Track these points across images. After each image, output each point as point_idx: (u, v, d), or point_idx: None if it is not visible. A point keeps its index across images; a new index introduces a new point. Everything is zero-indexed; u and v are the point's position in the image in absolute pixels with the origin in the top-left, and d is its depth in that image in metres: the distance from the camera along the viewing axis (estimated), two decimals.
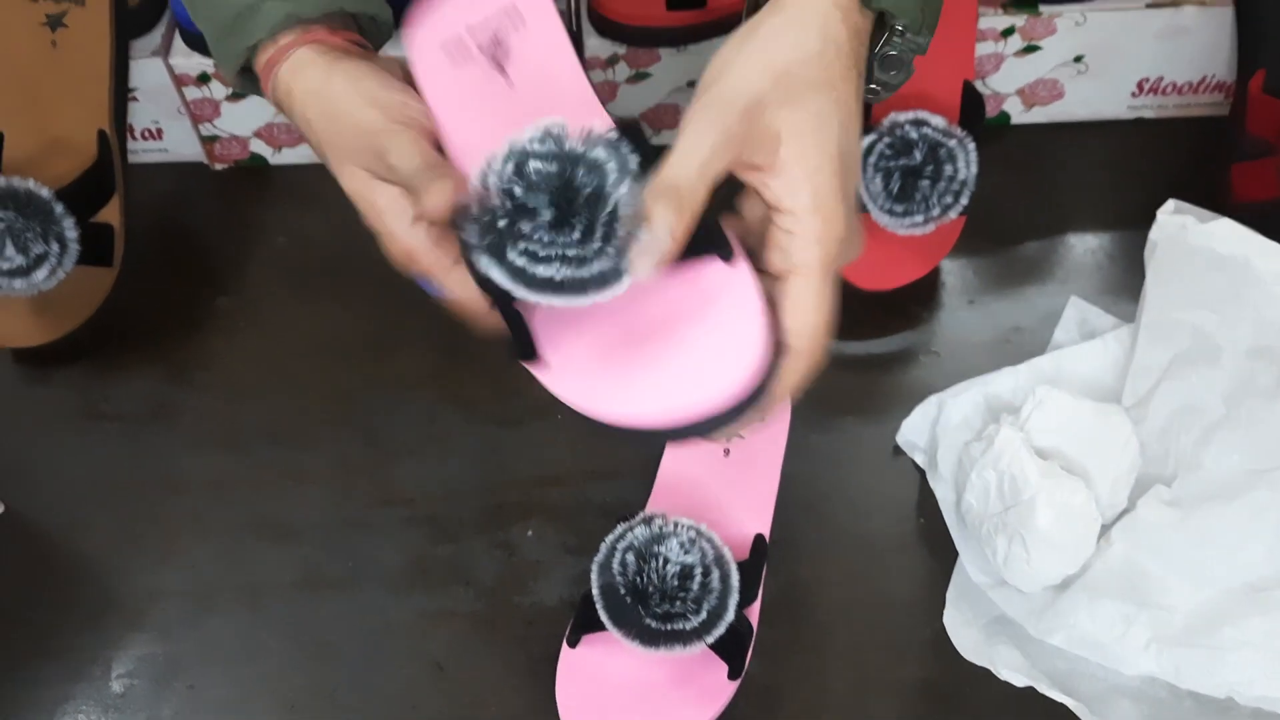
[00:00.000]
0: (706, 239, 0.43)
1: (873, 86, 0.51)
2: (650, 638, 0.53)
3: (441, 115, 0.49)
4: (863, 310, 0.72)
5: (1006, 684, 0.56)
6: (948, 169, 0.66)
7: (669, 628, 0.53)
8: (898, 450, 0.66)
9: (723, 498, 0.61)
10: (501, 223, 0.40)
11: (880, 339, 0.71)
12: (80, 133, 0.71)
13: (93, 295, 0.70)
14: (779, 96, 0.43)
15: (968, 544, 0.60)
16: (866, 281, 0.71)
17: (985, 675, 0.56)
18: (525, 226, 0.40)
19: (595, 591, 0.54)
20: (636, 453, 0.66)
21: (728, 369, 0.41)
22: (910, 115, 0.67)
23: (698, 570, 0.53)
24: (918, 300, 0.72)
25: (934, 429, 0.64)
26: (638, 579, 0.53)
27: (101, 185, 0.70)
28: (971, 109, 0.71)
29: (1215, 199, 0.66)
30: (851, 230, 0.46)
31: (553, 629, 0.59)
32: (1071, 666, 0.56)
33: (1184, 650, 0.54)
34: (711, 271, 0.43)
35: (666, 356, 0.42)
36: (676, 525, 0.55)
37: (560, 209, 0.40)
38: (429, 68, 0.51)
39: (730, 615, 0.53)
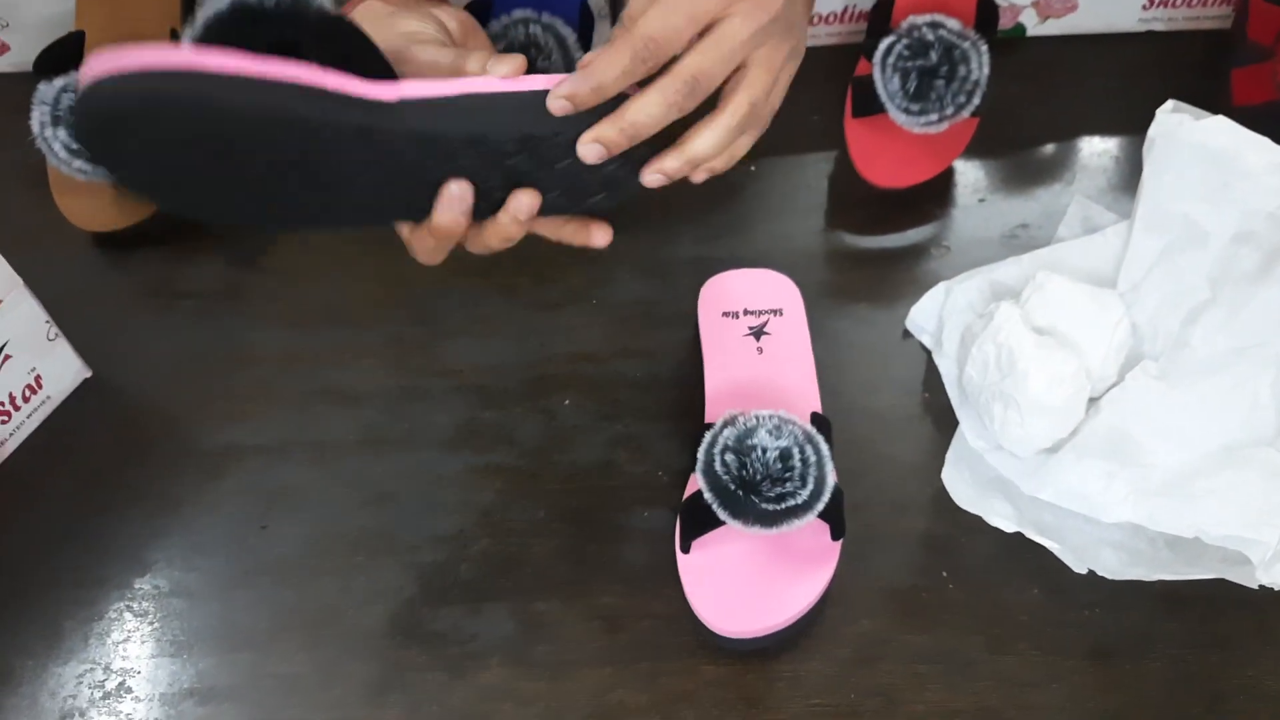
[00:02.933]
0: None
1: None
2: (769, 519, 0.56)
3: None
4: (880, 208, 0.77)
5: (998, 534, 0.61)
6: (961, 69, 0.70)
7: (784, 506, 0.56)
8: (907, 334, 0.71)
9: (771, 389, 0.66)
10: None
11: (895, 234, 0.76)
12: (155, 31, 0.77)
13: None
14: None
15: (967, 413, 0.66)
16: (883, 179, 0.75)
17: (979, 527, 0.62)
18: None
19: (707, 495, 0.57)
20: (668, 336, 0.71)
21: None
22: (927, 18, 0.71)
23: (794, 449, 0.57)
24: (931, 198, 0.77)
25: (941, 312, 0.69)
26: (743, 473, 0.57)
27: None
28: (986, 15, 0.75)
29: (1216, 104, 0.69)
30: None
31: (589, 482, 0.65)
32: (1059, 520, 0.61)
33: (1159, 499, 0.59)
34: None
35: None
36: (758, 418, 0.58)
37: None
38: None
39: (831, 483, 0.57)
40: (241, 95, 0.44)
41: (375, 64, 0.50)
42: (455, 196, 0.51)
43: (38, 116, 0.71)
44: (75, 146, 0.71)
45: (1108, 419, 0.62)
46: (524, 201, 0.52)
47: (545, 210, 0.53)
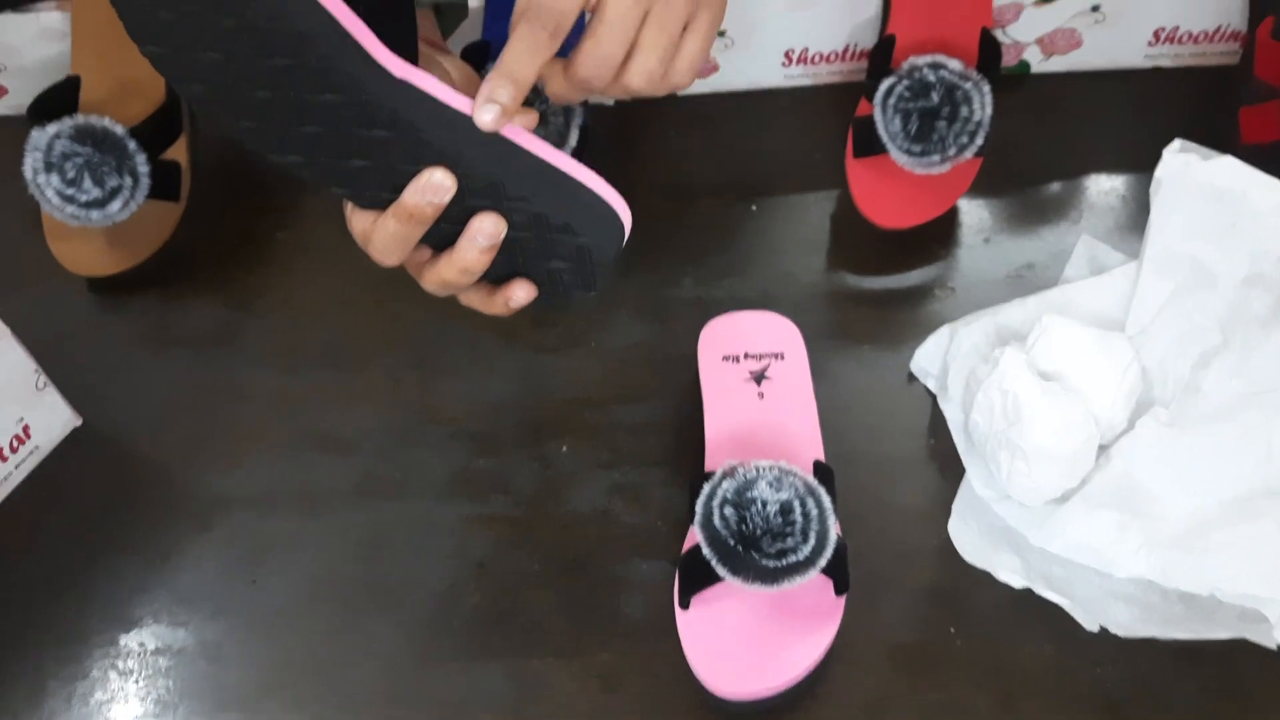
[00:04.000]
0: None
1: None
2: (770, 576, 0.55)
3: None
4: (882, 247, 0.76)
5: (1006, 587, 0.60)
6: (963, 110, 0.69)
7: (785, 563, 0.55)
8: (911, 377, 0.70)
9: (773, 436, 0.64)
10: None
11: (898, 274, 0.75)
12: (150, 76, 0.76)
13: (161, 228, 0.76)
14: None
15: (973, 461, 0.64)
16: (886, 219, 0.74)
17: (986, 580, 0.60)
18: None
19: (706, 551, 0.56)
20: (667, 380, 0.70)
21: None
22: (928, 59, 0.70)
23: (795, 503, 0.56)
24: (935, 238, 0.76)
25: (945, 356, 0.68)
26: (742, 527, 0.56)
27: (170, 125, 0.75)
28: (988, 55, 0.74)
29: (1224, 142, 0.68)
30: None
31: (586, 532, 0.64)
32: (1068, 573, 0.60)
33: (1172, 553, 0.57)
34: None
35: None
36: (758, 469, 0.57)
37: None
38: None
39: (834, 537, 0.56)
40: None
41: (407, 44, 0.49)
42: (434, 184, 0.47)
43: (30, 163, 0.70)
44: (68, 193, 0.70)
45: (1118, 468, 0.60)
46: (487, 226, 0.48)
47: (495, 269, 0.50)
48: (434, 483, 0.67)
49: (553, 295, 0.52)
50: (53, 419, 0.68)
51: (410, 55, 0.50)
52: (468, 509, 0.65)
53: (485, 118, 0.48)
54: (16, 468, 0.67)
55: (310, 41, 0.45)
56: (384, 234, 0.50)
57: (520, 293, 0.51)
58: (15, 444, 0.67)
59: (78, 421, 0.70)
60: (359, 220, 0.51)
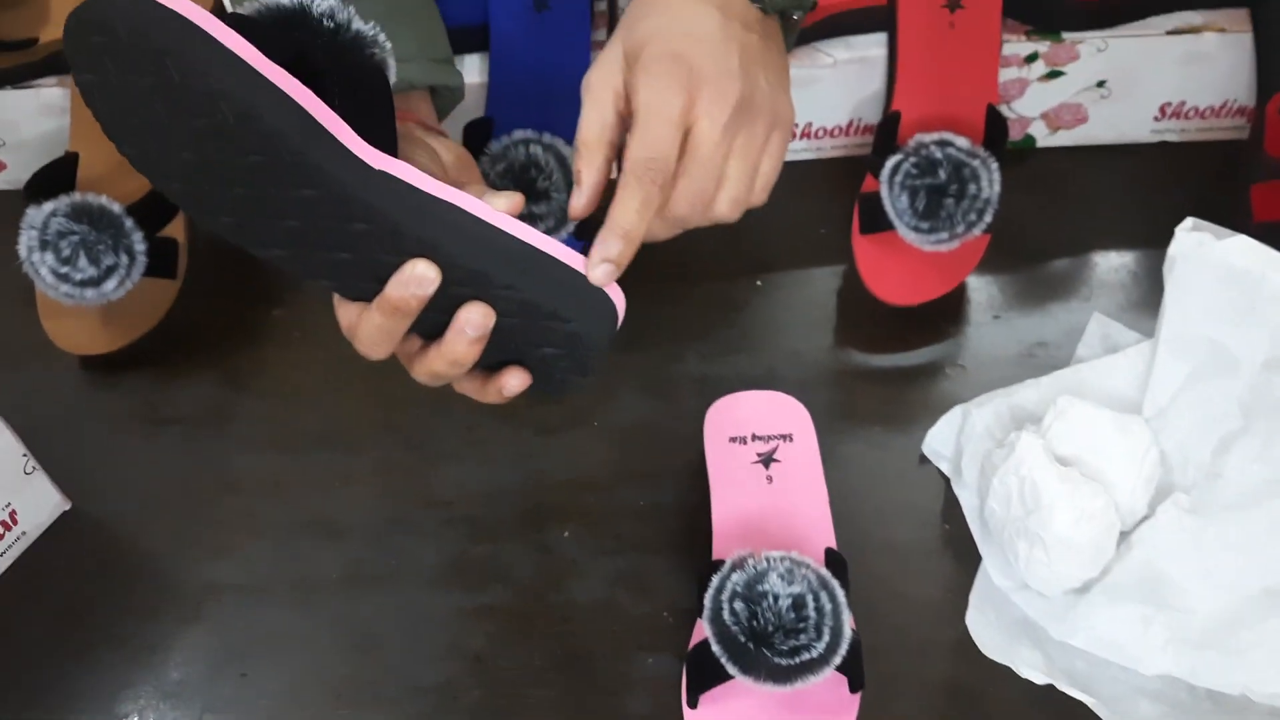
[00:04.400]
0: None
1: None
2: (782, 675, 0.53)
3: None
4: (891, 325, 0.74)
5: (1028, 683, 0.57)
6: (971, 187, 0.68)
7: (798, 660, 0.53)
8: (924, 459, 0.68)
9: (782, 522, 0.63)
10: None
11: (907, 353, 0.74)
12: None
13: (157, 306, 0.74)
14: (644, 78, 0.50)
15: (990, 548, 0.62)
16: (894, 297, 0.73)
17: (1007, 675, 0.58)
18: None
19: (715, 647, 0.54)
20: (672, 460, 0.68)
21: None
22: (935, 136, 0.69)
23: (808, 597, 0.54)
24: (944, 315, 0.74)
25: (958, 438, 0.66)
26: (753, 623, 0.54)
27: (167, 202, 0.74)
28: (995, 131, 0.73)
29: (1235, 219, 0.67)
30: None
31: (588, 624, 0.62)
32: (1091, 668, 0.57)
33: (1201, 651, 0.55)
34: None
35: None
36: (769, 560, 0.55)
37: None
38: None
39: (848, 632, 0.54)
40: (232, 80, 0.43)
41: (385, 134, 0.48)
42: (416, 276, 0.46)
43: (25, 241, 0.69)
44: (63, 271, 0.69)
45: (1139, 557, 0.58)
46: (475, 316, 0.47)
47: (487, 357, 0.49)
48: (429, 571, 0.64)
49: (547, 382, 0.50)
50: (41, 504, 0.67)
51: (389, 143, 0.48)
52: (464, 599, 0.63)
53: (598, 274, 0.48)
54: (2, 555, 0.65)
55: (282, 137, 0.44)
56: (369, 327, 0.48)
57: (513, 381, 0.50)
58: (2, 530, 0.65)
59: (66, 505, 0.68)
60: (345, 312, 0.50)
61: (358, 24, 0.46)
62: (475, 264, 0.46)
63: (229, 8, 0.73)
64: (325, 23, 0.45)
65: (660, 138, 0.49)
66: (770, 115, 0.53)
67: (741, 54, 0.51)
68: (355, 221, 0.45)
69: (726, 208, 0.52)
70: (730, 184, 0.52)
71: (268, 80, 0.43)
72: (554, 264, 0.48)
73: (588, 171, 0.52)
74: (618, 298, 0.49)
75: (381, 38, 0.46)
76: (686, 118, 0.50)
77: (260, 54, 0.43)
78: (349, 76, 0.47)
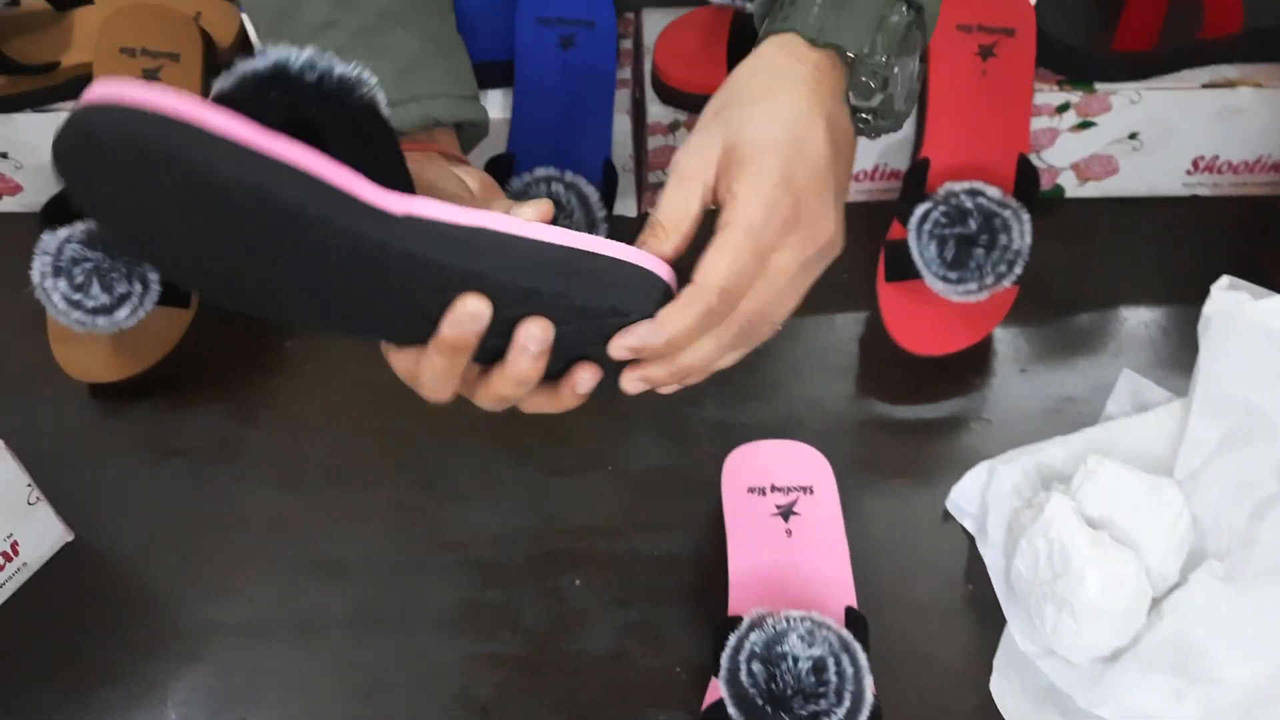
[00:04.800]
0: None
1: (863, 116, 0.53)
2: None
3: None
4: (915, 375, 0.73)
5: None
6: (1002, 238, 0.67)
7: None
8: (947, 515, 0.66)
9: (801, 578, 0.61)
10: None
11: (932, 404, 0.72)
12: None
13: (169, 335, 0.73)
14: (739, 168, 0.47)
15: (1016, 611, 0.60)
16: (919, 346, 0.72)
17: None
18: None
19: (732, 710, 0.52)
20: (688, 508, 0.67)
21: None
22: (965, 185, 0.68)
23: (829, 660, 0.52)
24: (970, 367, 0.73)
25: (984, 495, 0.64)
26: (772, 685, 0.52)
27: None
28: (1026, 181, 0.72)
29: (1268, 276, 0.66)
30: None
31: (599, 676, 0.60)
32: None
33: None
34: None
35: None
36: (789, 620, 0.54)
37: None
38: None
39: (869, 698, 0.52)
40: (236, 167, 0.40)
41: (396, 171, 0.46)
42: (469, 313, 0.44)
43: (38, 266, 0.68)
44: (75, 298, 0.68)
45: (1171, 626, 0.57)
46: (535, 331, 0.45)
47: (550, 367, 0.47)
48: (437, 616, 0.63)
49: (615, 374, 0.48)
50: (43, 535, 0.65)
51: (403, 180, 0.46)
52: (472, 646, 0.62)
53: (630, 387, 0.47)
54: (2, 586, 0.64)
55: (301, 211, 0.42)
56: (431, 371, 0.47)
57: (585, 376, 0.48)
58: (2, 561, 0.63)
59: (69, 537, 0.67)
60: (401, 360, 0.48)
61: (340, 68, 0.44)
62: (525, 283, 0.44)
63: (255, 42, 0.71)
64: (307, 75, 0.43)
65: (746, 269, 0.46)
66: (835, 246, 0.51)
67: (837, 183, 0.49)
68: (395, 273, 0.44)
69: (770, 329, 0.50)
70: (785, 309, 0.50)
71: (270, 156, 0.41)
72: (600, 261, 0.45)
73: (665, 250, 0.48)
74: (665, 272, 0.46)
75: (366, 73, 0.45)
76: (775, 246, 0.47)
77: (254, 128, 0.41)
78: (345, 123, 0.45)
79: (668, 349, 0.46)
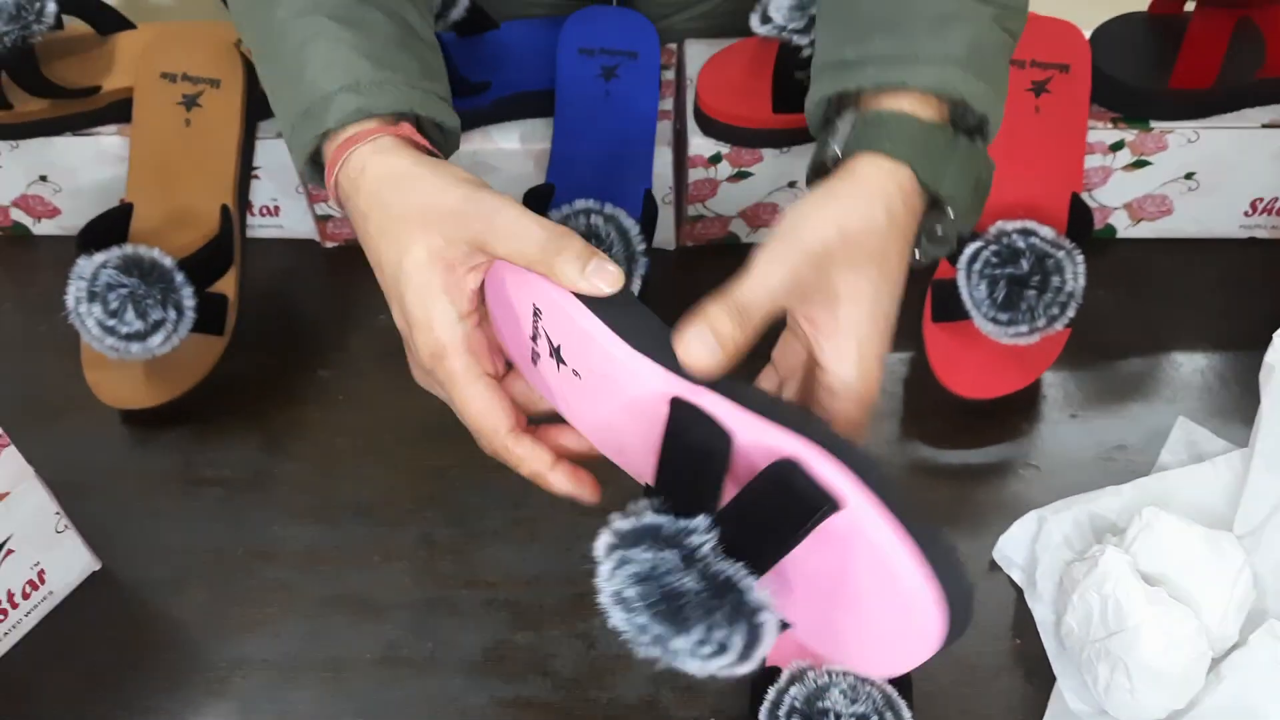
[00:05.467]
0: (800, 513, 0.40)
1: (916, 257, 0.53)
2: None
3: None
4: (962, 419, 0.71)
5: None
6: (1055, 279, 0.65)
7: None
8: (994, 566, 0.64)
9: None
10: None
11: (978, 449, 0.70)
12: (205, 206, 0.74)
13: (202, 362, 0.72)
14: (845, 258, 0.47)
15: (1067, 669, 0.58)
16: (965, 389, 0.70)
17: None
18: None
19: None
20: None
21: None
22: (1018, 224, 0.66)
23: (873, 718, 0.51)
24: (1018, 411, 0.71)
25: (1033, 546, 0.62)
26: None
27: (221, 257, 0.73)
28: (1079, 221, 0.70)
29: None
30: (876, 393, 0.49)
31: None
32: None
33: None
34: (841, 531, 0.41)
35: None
36: (830, 675, 0.52)
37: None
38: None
39: None
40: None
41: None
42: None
43: (73, 292, 0.68)
44: (109, 324, 0.67)
45: (1230, 689, 0.54)
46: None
47: None
48: (466, 657, 0.61)
49: None
50: (70, 563, 0.64)
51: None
52: (501, 690, 0.60)
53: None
54: (27, 615, 0.63)
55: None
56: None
57: None
58: (28, 589, 0.62)
59: (96, 565, 0.66)
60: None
61: None
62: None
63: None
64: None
65: (874, 374, 0.48)
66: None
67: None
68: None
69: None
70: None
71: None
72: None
73: (738, 333, 0.45)
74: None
75: None
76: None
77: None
78: None
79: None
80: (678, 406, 0.43)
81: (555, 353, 0.47)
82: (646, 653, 0.42)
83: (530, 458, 0.49)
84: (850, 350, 0.47)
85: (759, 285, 0.46)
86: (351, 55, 0.53)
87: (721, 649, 0.39)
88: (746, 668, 0.40)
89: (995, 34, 0.53)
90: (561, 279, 0.45)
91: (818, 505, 0.39)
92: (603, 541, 0.42)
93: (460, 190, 0.48)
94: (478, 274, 0.49)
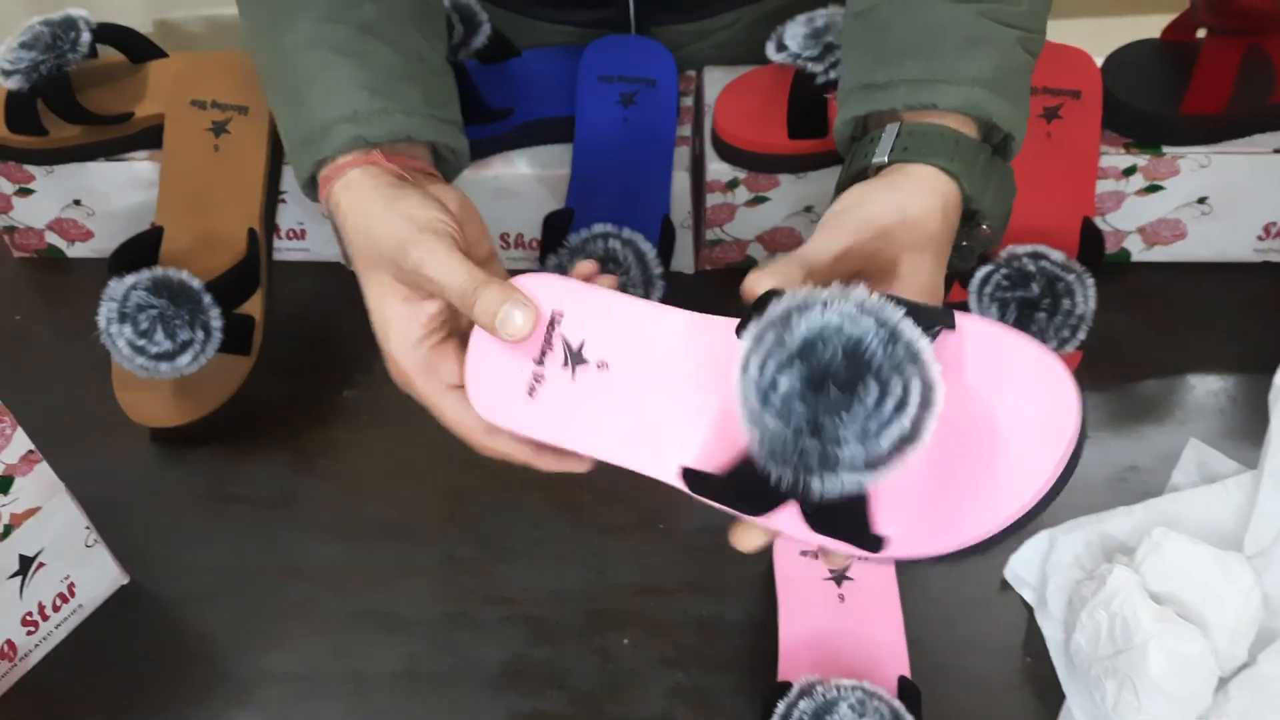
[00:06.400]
0: (927, 319, 0.41)
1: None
2: None
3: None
4: None
5: None
6: (1065, 303, 0.66)
7: None
8: (1005, 585, 0.65)
9: (854, 645, 0.60)
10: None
11: None
12: (233, 230, 0.76)
13: (230, 382, 0.74)
14: (906, 238, 0.49)
15: (1076, 687, 0.59)
16: None
17: None
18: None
19: None
20: (740, 570, 0.66)
21: (1051, 433, 0.41)
22: (1028, 248, 0.67)
23: None
24: None
25: (1044, 565, 0.63)
26: None
27: (248, 279, 0.75)
28: (1091, 245, 0.71)
29: None
30: None
31: None
32: None
33: None
34: (957, 349, 0.42)
35: (985, 458, 0.42)
36: (839, 690, 0.53)
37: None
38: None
39: None
40: None
41: None
42: None
43: (105, 312, 0.70)
44: (139, 344, 0.69)
45: (1239, 709, 0.55)
46: None
47: None
48: (485, 671, 0.62)
49: None
50: (100, 577, 0.66)
51: None
52: (520, 703, 0.61)
53: None
54: (57, 627, 0.65)
55: None
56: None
57: None
58: (59, 602, 0.64)
59: (125, 580, 0.67)
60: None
61: None
62: None
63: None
64: None
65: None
66: None
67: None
68: None
69: None
70: None
71: None
72: None
73: (784, 271, 0.46)
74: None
75: None
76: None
77: None
78: None
79: None
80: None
81: (574, 357, 0.49)
82: (793, 452, 0.39)
83: (513, 450, 0.52)
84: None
85: (822, 248, 0.48)
86: (350, 87, 0.55)
87: (902, 404, 0.37)
88: (918, 442, 0.38)
89: (1019, 56, 0.55)
90: (478, 320, 0.49)
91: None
92: (753, 324, 0.40)
93: (405, 230, 0.51)
94: (435, 299, 0.52)
